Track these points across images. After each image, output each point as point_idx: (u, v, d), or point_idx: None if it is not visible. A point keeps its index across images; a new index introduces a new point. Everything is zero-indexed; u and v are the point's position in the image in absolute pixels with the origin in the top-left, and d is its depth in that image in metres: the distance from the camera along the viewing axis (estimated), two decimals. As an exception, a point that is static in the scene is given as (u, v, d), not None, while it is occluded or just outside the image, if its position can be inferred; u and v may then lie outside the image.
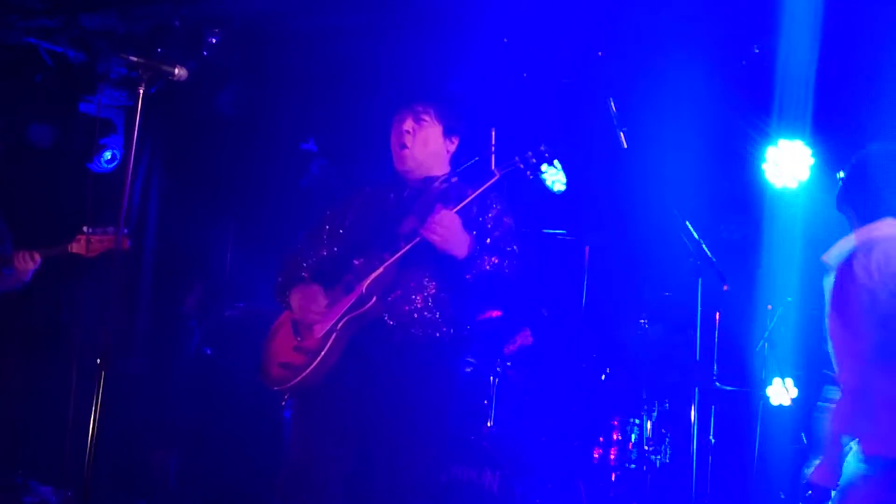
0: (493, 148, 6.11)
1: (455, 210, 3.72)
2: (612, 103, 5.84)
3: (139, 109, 3.60)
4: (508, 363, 5.97)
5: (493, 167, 3.93)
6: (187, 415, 6.89)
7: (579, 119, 6.89)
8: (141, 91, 3.58)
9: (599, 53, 6.43)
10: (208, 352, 7.07)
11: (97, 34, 6.62)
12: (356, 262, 3.83)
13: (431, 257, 3.76)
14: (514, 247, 3.92)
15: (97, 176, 6.88)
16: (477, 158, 5.81)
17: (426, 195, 3.98)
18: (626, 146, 5.91)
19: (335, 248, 4.00)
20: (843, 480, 3.49)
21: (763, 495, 6.45)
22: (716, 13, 6.12)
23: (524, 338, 6.16)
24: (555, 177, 7.43)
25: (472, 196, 3.78)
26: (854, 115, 6.33)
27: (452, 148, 4.12)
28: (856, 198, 3.76)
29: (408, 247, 3.74)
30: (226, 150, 7.30)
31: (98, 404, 3.36)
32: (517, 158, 3.81)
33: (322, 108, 7.17)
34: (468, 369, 5.99)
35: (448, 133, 4.08)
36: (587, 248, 6.76)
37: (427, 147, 4.02)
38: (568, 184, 7.36)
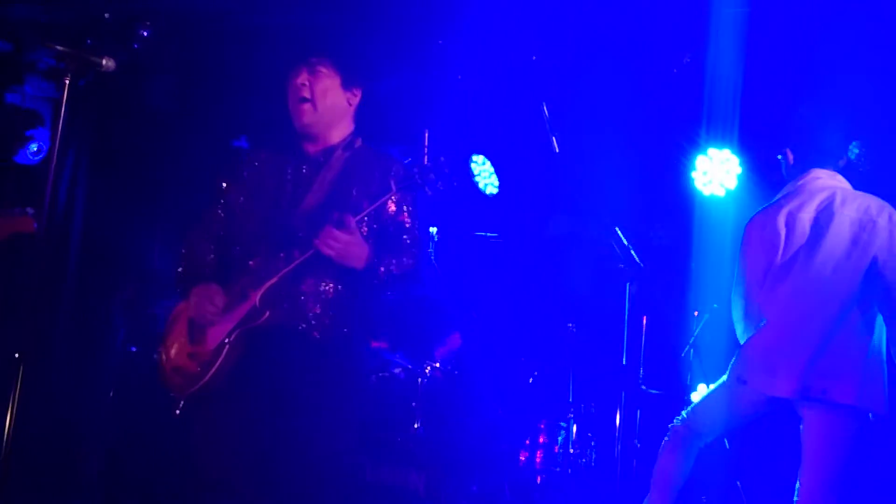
0: (425, 149, 6.11)
1: (356, 219, 3.59)
2: (545, 108, 5.87)
3: (65, 100, 3.53)
4: (437, 365, 5.97)
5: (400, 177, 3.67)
6: (112, 414, 6.78)
7: (513, 123, 6.93)
8: (67, 82, 3.51)
9: (534, 58, 6.47)
10: (134, 350, 6.97)
11: (25, 23, 6.50)
12: (251, 263, 3.70)
13: (328, 263, 3.63)
14: (417, 252, 3.81)
15: (22, 168, 6.75)
16: (409, 160, 5.81)
17: (326, 170, 3.81)
18: (558, 151, 5.95)
19: (232, 235, 3.83)
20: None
21: (686, 498, 6.52)
22: (648, 22, 6.20)
23: (453, 340, 6.18)
24: (488, 180, 7.47)
25: (369, 209, 3.65)
26: (780, 126, 6.43)
27: (355, 101, 3.90)
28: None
29: (302, 258, 3.61)
30: (156, 145, 7.20)
31: (15, 403, 3.28)
32: (416, 171, 3.63)
33: (255, 106, 7.11)
34: (397, 370, 5.99)
35: (347, 84, 3.85)
36: (518, 251, 6.79)
37: (326, 99, 3.80)
38: (500, 187, 7.41)
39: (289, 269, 3.62)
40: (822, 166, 4.26)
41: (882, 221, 4.05)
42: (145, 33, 6.27)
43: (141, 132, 7.14)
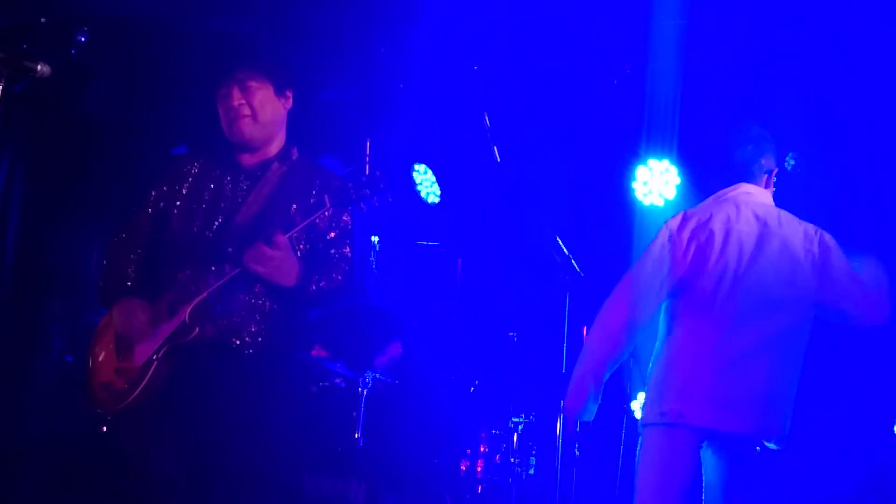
0: (367, 158, 6.11)
1: (287, 235, 3.52)
2: (487, 118, 5.89)
3: (-2, 107, 3.46)
4: (378, 375, 5.95)
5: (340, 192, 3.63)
6: (45, 424, 6.66)
7: (455, 132, 6.95)
8: (1, 87, 3.45)
9: (475, 68, 6.49)
10: (70, 360, 6.86)
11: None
12: (180, 277, 3.61)
13: (260, 279, 3.57)
14: (346, 267, 3.76)
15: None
16: (351, 169, 5.81)
17: (263, 184, 3.75)
18: (499, 160, 5.97)
19: (160, 248, 3.74)
20: None
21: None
22: (589, 33, 6.25)
23: (394, 349, 6.17)
24: (429, 189, 7.48)
25: (301, 225, 3.58)
26: (720, 139, 6.51)
27: (289, 104, 3.85)
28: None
29: (232, 273, 3.53)
30: (94, 152, 7.11)
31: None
32: (350, 185, 3.60)
33: (194, 113, 7.05)
34: (338, 380, 5.97)
35: (280, 90, 3.80)
36: (459, 261, 6.80)
37: (266, 111, 3.75)
38: (442, 196, 7.42)
39: (219, 284, 3.54)
40: (746, 180, 4.08)
41: (817, 248, 3.95)
42: (82, 38, 6.19)
43: (78, 139, 7.05)
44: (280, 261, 3.51)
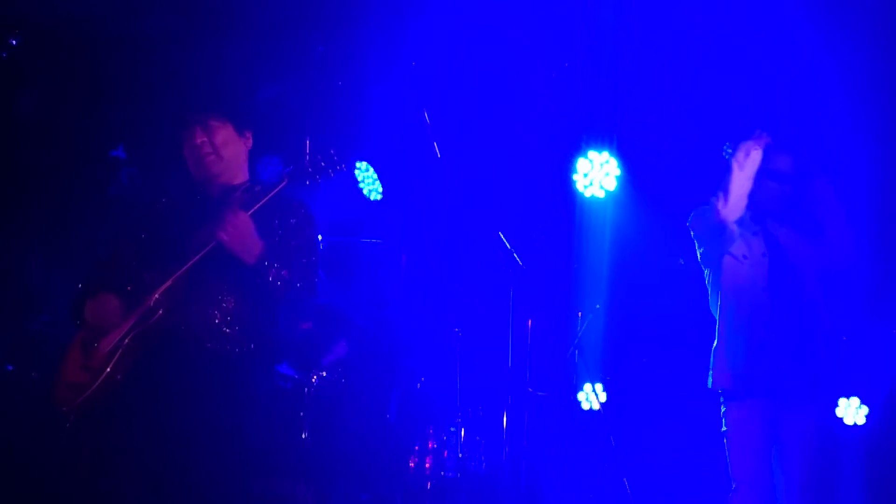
0: (307, 157, 6.07)
1: (249, 213, 3.70)
2: (426, 114, 5.90)
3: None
4: (324, 374, 5.93)
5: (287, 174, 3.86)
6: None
7: (395, 129, 6.95)
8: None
9: (413, 64, 6.50)
10: (10, 368, 6.76)
11: None
12: (146, 276, 3.76)
13: (223, 268, 3.70)
14: (311, 258, 3.92)
15: None
16: (291, 168, 5.76)
17: (225, 206, 3.87)
18: (439, 156, 5.98)
19: (129, 268, 3.90)
20: None
21: (575, 499, 6.63)
22: (528, 27, 6.29)
23: (339, 348, 6.15)
24: (371, 186, 7.47)
25: (265, 199, 3.77)
26: (657, 130, 6.60)
27: (250, 144, 4.06)
28: None
29: (197, 256, 3.69)
30: (30, 156, 7.01)
31: None
32: (307, 161, 3.83)
33: (132, 115, 6.98)
34: (283, 381, 5.93)
35: (240, 130, 4.01)
36: (404, 257, 6.80)
37: (228, 147, 3.95)
38: (384, 193, 7.42)
39: (185, 268, 3.70)
40: None
41: None
42: (14, 42, 6.12)
43: (13, 143, 6.95)
44: (242, 232, 3.65)
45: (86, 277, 4.00)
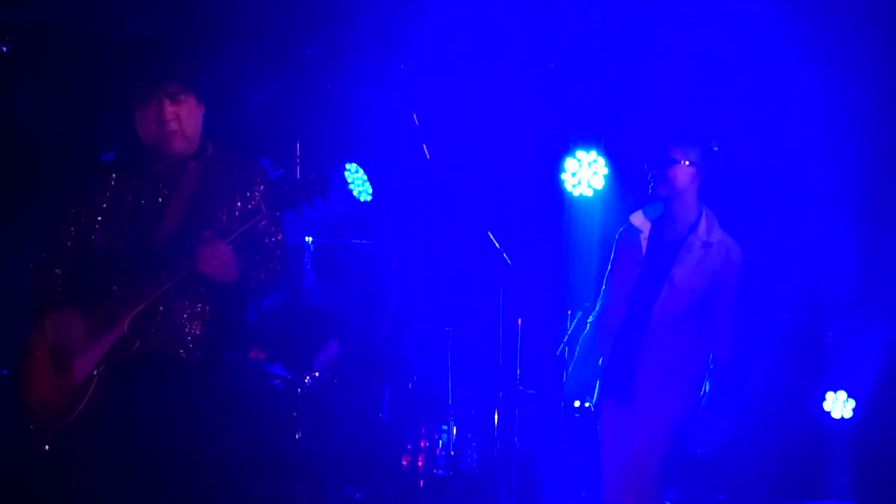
0: (297, 160, 6.12)
1: (227, 242, 3.52)
2: (415, 116, 5.94)
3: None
4: (317, 374, 5.97)
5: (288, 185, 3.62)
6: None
7: (384, 130, 6.98)
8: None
9: (402, 66, 6.53)
10: (5, 373, 6.77)
11: None
12: (115, 289, 3.56)
13: (199, 285, 3.58)
14: (281, 253, 3.77)
15: None
16: (282, 171, 5.81)
17: (182, 185, 3.68)
18: (429, 157, 6.02)
19: (88, 259, 3.67)
20: None
21: (567, 495, 6.67)
22: (515, 28, 6.32)
23: (331, 348, 6.19)
24: (361, 187, 7.51)
25: (240, 230, 3.57)
26: (644, 129, 6.65)
27: (202, 109, 3.75)
28: None
29: (172, 282, 3.51)
30: (19, 161, 7.02)
31: None
32: (286, 189, 3.60)
33: (123, 119, 6.99)
34: (277, 381, 5.97)
35: (200, 99, 3.72)
36: (394, 258, 6.85)
37: (191, 122, 3.67)
38: (374, 194, 7.45)
39: (157, 293, 3.52)
40: None
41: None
42: (4, 49, 6.13)
43: (4, 148, 6.96)
44: (223, 259, 3.50)
45: (40, 268, 3.74)
